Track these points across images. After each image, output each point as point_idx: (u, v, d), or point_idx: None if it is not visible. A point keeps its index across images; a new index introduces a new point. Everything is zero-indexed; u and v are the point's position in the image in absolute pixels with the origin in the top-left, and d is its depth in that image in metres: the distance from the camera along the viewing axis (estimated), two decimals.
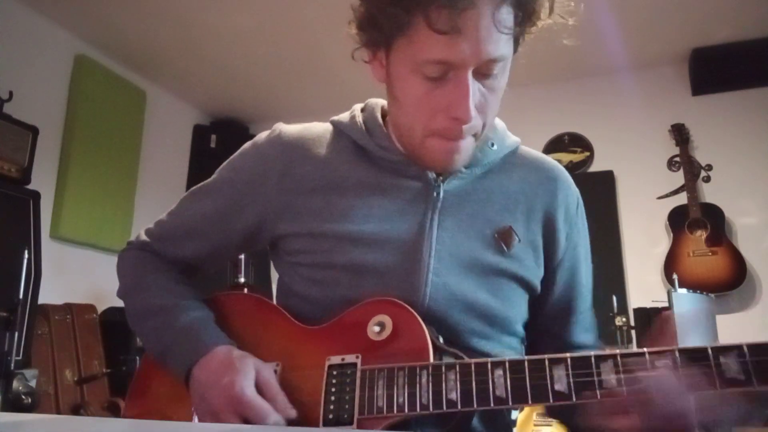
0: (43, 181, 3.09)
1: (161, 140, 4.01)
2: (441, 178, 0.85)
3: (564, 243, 0.90)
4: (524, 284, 0.87)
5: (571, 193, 0.93)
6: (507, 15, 0.73)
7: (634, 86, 3.71)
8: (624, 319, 3.04)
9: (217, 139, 4.29)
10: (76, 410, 2.75)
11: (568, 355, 0.67)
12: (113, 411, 2.80)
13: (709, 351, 0.62)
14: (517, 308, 0.87)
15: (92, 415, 2.72)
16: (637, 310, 3.29)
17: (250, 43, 3.50)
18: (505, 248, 0.84)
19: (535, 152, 0.96)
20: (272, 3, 3.11)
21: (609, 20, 3.14)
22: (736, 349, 0.61)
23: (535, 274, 0.88)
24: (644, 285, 3.45)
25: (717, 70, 3.48)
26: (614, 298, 3.10)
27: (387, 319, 0.77)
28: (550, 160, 0.96)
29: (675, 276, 2.95)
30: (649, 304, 3.25)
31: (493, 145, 0.88)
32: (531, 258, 0.87)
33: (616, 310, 3.06)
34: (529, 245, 0.87)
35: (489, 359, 0.70)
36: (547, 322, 0.92)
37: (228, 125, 4.42)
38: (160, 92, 4.02)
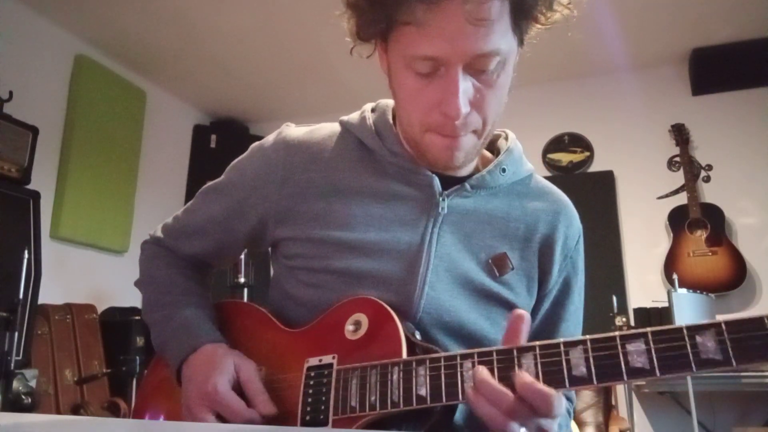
0: (43, 181, 3.10)
1: (161, 140, 4.01)
2: (446, 192, 0.84)
3: (555, 276, 0.88)
4: None
5: (572, 228, 0.91)
6: (494, 8, 0.70)
7: (634, 86, 3.70)
8: (624, 319, 3.03)
9: (217, 139, 4.29)
10: (76, 410, 2.75)
11: (537, 343, 0.65)
12: (113, 411, 2.80)
13: (684, 331, 0.58)
14: None
15: (92, 415, 2.72)
16: (637, 310, 3.29)
17: (250, 43, 3.50)
18: (497, 273, 0.83)
19: (546, 182, 0.94)
20: (272, 3, 3.11)
21: (609, 20, 3.14)
22: (714, 327, 0.57)
23: (526, 303, 0.86)
24: (644, 285, 3.45)
25: (717, 70, 3.47)
26: (614, 298, 3.09)
27: (363, 318, 0.77)
28: (558, 192, 0.94)
29: (675, 276, 2.96)
30: (649, 304, 3.26)
31: (504, 171, 0.87)
32: (523, 287, 0.86)
33: (616, 310, 3.06)
34: (524, 274, 0.86)
35: (458, 352, 0.69)
36: None
37: (228, 125, 4.42)
38: (160, 92, 4.03)
